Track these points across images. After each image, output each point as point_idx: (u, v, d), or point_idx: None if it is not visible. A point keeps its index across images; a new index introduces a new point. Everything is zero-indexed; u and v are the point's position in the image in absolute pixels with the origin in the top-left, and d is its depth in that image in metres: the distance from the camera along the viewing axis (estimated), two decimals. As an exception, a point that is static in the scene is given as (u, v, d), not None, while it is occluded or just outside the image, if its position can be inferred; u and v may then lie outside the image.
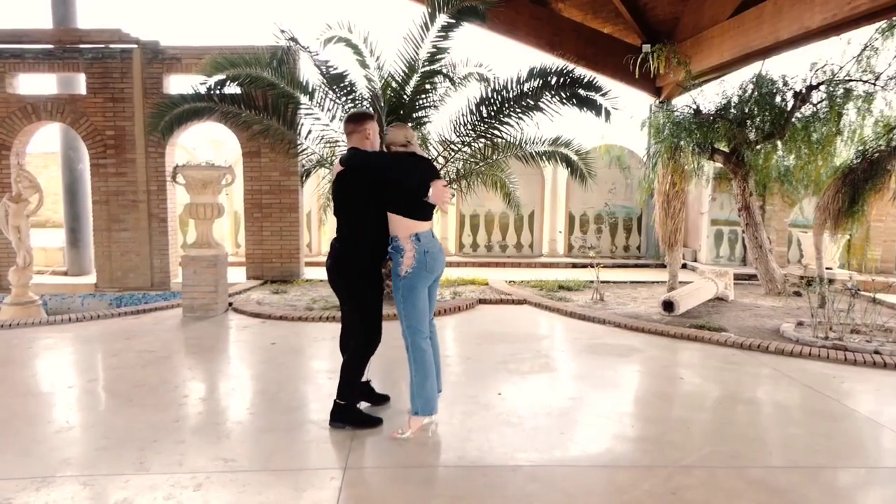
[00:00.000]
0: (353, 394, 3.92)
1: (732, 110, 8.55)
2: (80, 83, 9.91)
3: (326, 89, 7.86)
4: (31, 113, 9.67)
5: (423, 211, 3.72)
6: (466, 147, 8.21)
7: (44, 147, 15.92)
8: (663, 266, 10.92)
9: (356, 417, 3.91)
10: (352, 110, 4.00)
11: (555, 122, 7.86)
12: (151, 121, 8.64)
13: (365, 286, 3.81)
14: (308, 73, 8.35)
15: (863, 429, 4.14)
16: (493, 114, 7.81)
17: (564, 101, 7.58)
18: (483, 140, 8.19)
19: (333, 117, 8.02)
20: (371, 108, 7.76)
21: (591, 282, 8.73)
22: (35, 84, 10.30)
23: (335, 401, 3.89)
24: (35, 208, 8.21)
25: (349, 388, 3.88)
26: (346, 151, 3.83)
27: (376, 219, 3.74)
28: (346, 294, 3.89)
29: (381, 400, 4.29)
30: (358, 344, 3.86)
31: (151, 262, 9.97)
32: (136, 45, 9.66)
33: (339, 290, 3.93)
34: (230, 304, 7.63)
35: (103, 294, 9.61)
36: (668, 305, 7.25)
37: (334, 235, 3.93)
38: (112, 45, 9.66)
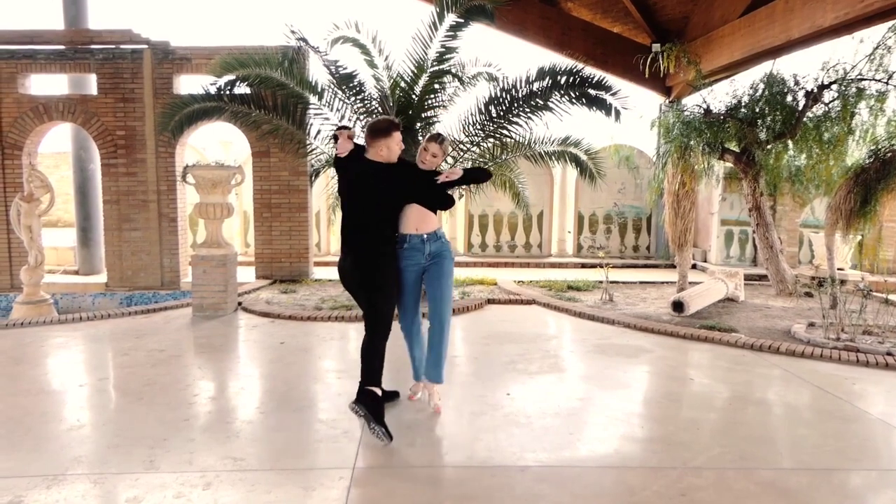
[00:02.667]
0: (377, 378, 3.82)
1: (743, 110, 8.50)
2: (91, 83, 9.98)
3: (335, 89, 7.88)
4: (43, 113, 9.74)
5: None
6: (475, 147, 8.21)
7: (55, 147, 16.09)
8: (673, 266, 10.87)
9: (376, 411, 3.71)
10: (372, 121, 4.13)
11: (564, 121, 7.86)
12: (162, 121, 8.69)
13: (392, 276, 4.01)
14: (317, 73, 8.38)
15: (874, 431, 4.11)
16: (502, 113, 7.81)
17: (574, 100, 7.57)
18: (492, 140, 8.19)
19: (342, 117, 8.03)
20: (380, 108, 7.77)
21: (601, 282, 8.71)
22: (47, 84, 10.39)
23: (360, 383, 3.81)
24: (46, 208, 8.27)
25: (370, 372, 3.82)
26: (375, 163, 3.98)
27: (395, 215, 4.02)
28: (374, 285, 3.93)
29: (390, 397, 4.30)
30: (375, 328, 3.92)
31: (161, 262, 10.03)
32: (146, 46, 9.71)
33: (366, 283, 3.95)
34: (239, 304, 7.65)
35: (114, 293, 9.66)
36: (678, 306, 7.22)
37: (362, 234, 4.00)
38: (123, 46, 9.72)
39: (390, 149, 3.93)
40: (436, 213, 4.08)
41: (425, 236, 4.00)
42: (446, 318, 4.11)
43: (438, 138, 4.16)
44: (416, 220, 4.00)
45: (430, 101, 7.80)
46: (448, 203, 4.15)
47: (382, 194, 3.93)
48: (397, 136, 3.95)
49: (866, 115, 7.98)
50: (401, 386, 4.47)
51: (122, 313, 7.17)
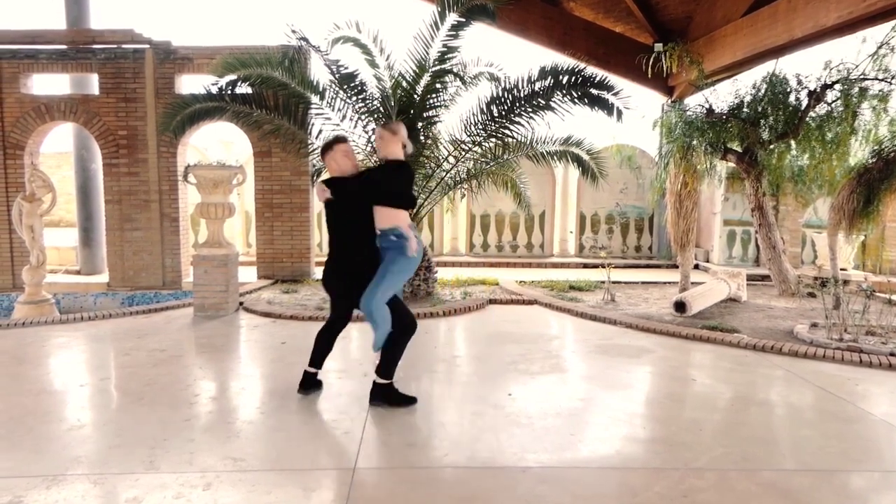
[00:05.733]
0: (391, 373, 4.22)
1: (745, 109, 8.48)
2: (93, 83, 9.99)
3: (337, 89, 7.87)
4: (45, 113, 9.75)
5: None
6: (477, 147, 8.20)
7: (57, 147, 16.07)
8: (675, 266, 10.85)
9: (392, 396, 4.21)
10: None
11: (566, 121, 7.86)
12: (163, 120, 8.69)
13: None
14: (318, 73, 8.37)
15: (877, 432, 4.09)
16: (503, 113, 7.80)
17: (576, 100, 7.55)
18: (494, 140, 8.18)
19: (344, 117, 8.03)
20: (382, 108, 7.77)
21: (603, 282, 8.69)
22: (48, 84, 10.39)
23: (374, 381, 4.24)
24: (48, 208, 8.28)
25: (388, 368, 4.20)
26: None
27: (370, 224, 4.20)
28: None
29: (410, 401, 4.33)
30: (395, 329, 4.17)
31: (163, 262, 10.03)
32: (148, 46, 9.71)
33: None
34: (241, 304, 7.65)
35: (115, 293, 9.67)
36: (680, 306, 7.20)
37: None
38: (125, 46, 9.73)
39: (337, 162, 4.25)
40: (395, 207, 4.14)
41: (378, 232, 4.15)
42: (363, 305, 4.10)
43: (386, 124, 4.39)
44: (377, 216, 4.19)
45: (431, 101, 7.79)
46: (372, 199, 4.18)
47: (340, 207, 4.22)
48: (340, 148, 4.27)
49: (869, 115, 7.95)
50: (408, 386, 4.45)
51: (123, 313, 7.17)
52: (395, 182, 4.15)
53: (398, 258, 4.10)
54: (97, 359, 5.68)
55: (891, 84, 7.76)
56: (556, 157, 8.81)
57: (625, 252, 13.20)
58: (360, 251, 4.20)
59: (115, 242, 9.98)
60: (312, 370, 4.48)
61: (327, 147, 4.32)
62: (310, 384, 4.48)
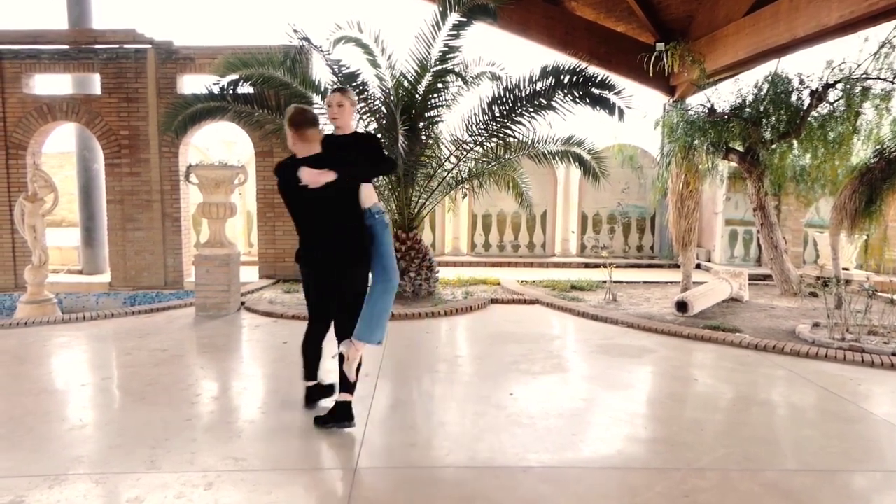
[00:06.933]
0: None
1: (747, 109, 8.46)
2: (95, 83, 9.99)
3: (338, 89, 7.86)
4: (47, 113, 9.76)
5: None
6: (479, 146, 8.19)
7: (59, 147, 16.09)
8: (677, 266, 10.83)
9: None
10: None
11: (567, 121, 7.85)
12: (165, 120, 8.69)
13: None
14: (320, 72, 8.37)
15: (879, 432, 4.08)
16: (505, 113, 7.79)
17: (577, 99, 7.54)
18: (495, 139, 8.18)
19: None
20: (384, 108, 7.77)
21: (604, 282, 8.68)
22: (51, 84, 10.39)
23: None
24: (50, 208, 8.29)
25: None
26: None
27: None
28: None
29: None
30: None
31: (165, 262, 10.03)
32: (150, 46, 9.72)
33: None
34: (242, 303, 7.65)
35: (117, 293, 9.68)
36: (682, 306, 7.19)
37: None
38: (126, 46, 9.73)
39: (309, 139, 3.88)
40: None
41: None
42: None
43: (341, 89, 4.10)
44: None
45: (433, 101, 7.79)
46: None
47: None
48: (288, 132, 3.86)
49: (871, 115, 7.93)
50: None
51: (125, 313, 7.18)
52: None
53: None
54: (99, 358, 5.69)
55: (893, 83, 7.74)
56: (557, 157, 8.79)
57: (626, 252, 13.18)
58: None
59: (117, 242, 9.99)
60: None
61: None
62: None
